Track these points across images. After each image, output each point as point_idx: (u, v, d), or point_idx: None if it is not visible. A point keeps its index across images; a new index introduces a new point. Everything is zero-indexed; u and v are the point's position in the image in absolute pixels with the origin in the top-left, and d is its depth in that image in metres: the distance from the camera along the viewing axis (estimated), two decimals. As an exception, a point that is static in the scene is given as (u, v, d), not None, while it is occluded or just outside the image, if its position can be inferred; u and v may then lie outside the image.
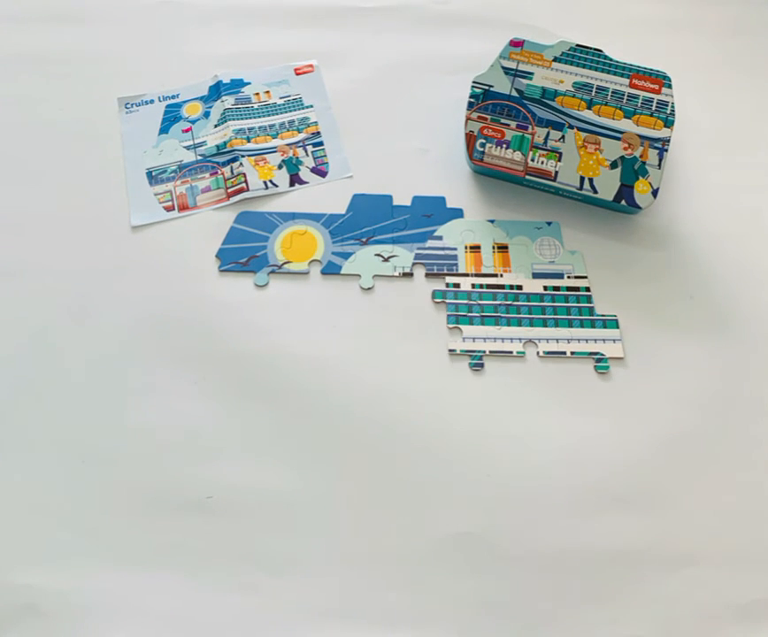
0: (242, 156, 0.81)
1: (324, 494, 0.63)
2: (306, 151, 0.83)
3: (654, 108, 0.77)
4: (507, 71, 0.79)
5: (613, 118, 0.77)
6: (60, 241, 0.75)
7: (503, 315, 0.72)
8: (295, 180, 0.81)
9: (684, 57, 0.89)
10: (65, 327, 0.70)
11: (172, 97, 0.86)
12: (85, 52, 0.89)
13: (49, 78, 0.87)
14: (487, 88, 0.78)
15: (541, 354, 0.70)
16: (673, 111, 0.77)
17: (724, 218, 0.78)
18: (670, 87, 0.78)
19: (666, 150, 0.76)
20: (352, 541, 0.61)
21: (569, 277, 0.74)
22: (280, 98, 0.87)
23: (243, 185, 0.79)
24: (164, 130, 0.84)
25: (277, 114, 0.85)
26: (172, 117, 0.85)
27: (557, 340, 0.70)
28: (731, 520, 0.63)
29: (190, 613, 0.58)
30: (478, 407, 0.67)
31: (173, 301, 0.72)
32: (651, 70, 0.79)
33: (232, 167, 0.80)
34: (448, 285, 0.73)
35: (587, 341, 0.70)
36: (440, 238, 0.77)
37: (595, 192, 0.75)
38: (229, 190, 0.79)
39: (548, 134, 0.77)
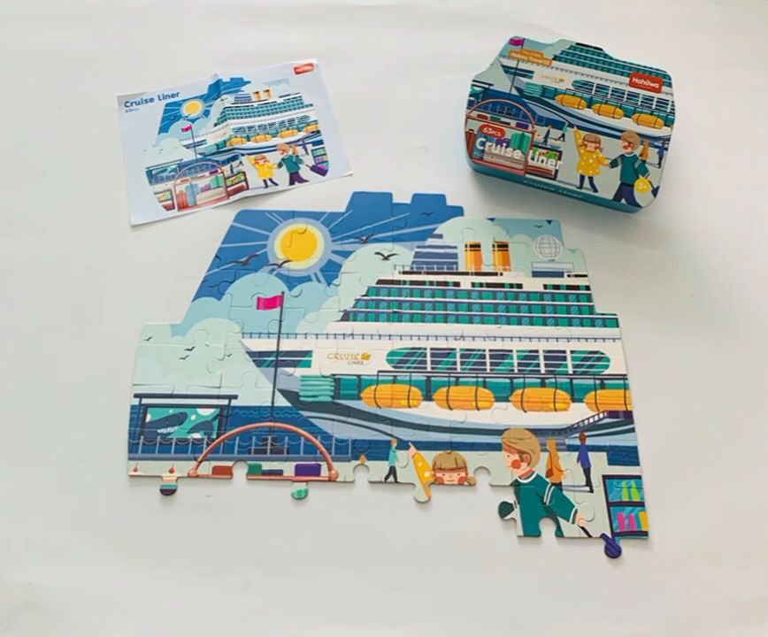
0: (242, 154, 0.81)
1: (323, 494, 0.63)
2: (306, 150, 0.83)
3: (654, 106, 0.77)
4: (507, 69, 0.79)
5: (613, 117, 0.77)
6: (60, 240, 0.75)
7: (502, 314, 0.72)
8: (294, 178, 0.81)
9: (684, 56, 0.89)
10: (65, 326, 0.70)
11: (172, 96, 0.86)
12: (85, 51, 0.89)
13: (49, 76, 0.87)
14: (487, 86, 0.78)
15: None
16: (673, 109, 0.77)
17: (724, 217, 0.78)
18: (670, 85, 0.78)
19: (666, 149, 0.76)
20: (352, 541, 0.61)
21: (569, 275, 0.74)
22: (280, 97, 0.87)
23: (243, 183, 0.79)
24: (163, 129, 0.84)
25: (277, 113, 0.85)
26: (171, 115, 0.85)
27: (557, 338, 0.70)
28: (731, 519, 0.63)
29: (190, 612, 0.58)
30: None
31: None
32: (651, 68, 0.79)
33: (232, 166, 0.80)
34: None
35: (586, 339, 0.70)
36: (440, 236, 0.76)
37: (595, 190, 0.75)
38: (229, 189, 0.79)
39: (548, 132, 0.77)
